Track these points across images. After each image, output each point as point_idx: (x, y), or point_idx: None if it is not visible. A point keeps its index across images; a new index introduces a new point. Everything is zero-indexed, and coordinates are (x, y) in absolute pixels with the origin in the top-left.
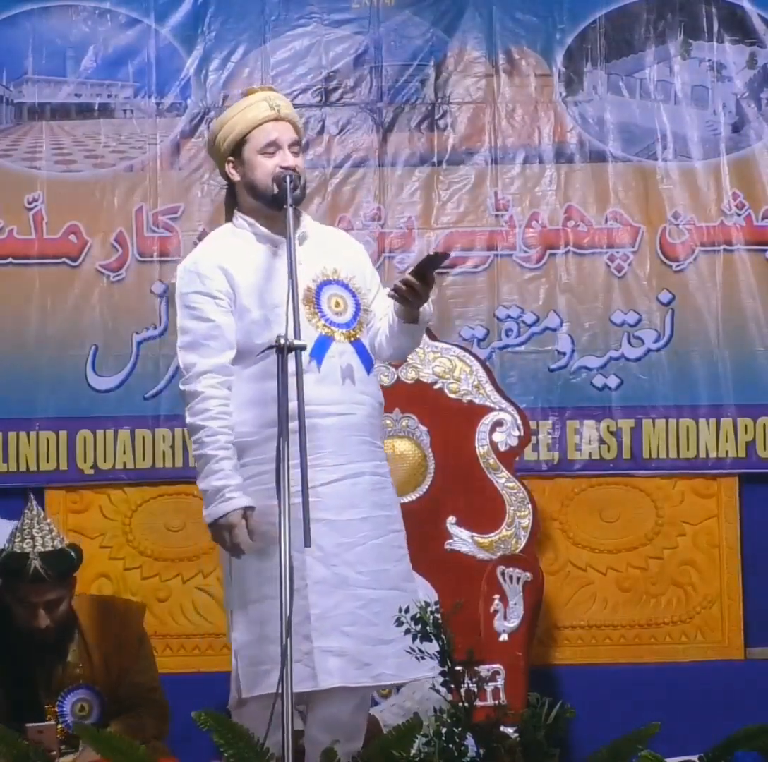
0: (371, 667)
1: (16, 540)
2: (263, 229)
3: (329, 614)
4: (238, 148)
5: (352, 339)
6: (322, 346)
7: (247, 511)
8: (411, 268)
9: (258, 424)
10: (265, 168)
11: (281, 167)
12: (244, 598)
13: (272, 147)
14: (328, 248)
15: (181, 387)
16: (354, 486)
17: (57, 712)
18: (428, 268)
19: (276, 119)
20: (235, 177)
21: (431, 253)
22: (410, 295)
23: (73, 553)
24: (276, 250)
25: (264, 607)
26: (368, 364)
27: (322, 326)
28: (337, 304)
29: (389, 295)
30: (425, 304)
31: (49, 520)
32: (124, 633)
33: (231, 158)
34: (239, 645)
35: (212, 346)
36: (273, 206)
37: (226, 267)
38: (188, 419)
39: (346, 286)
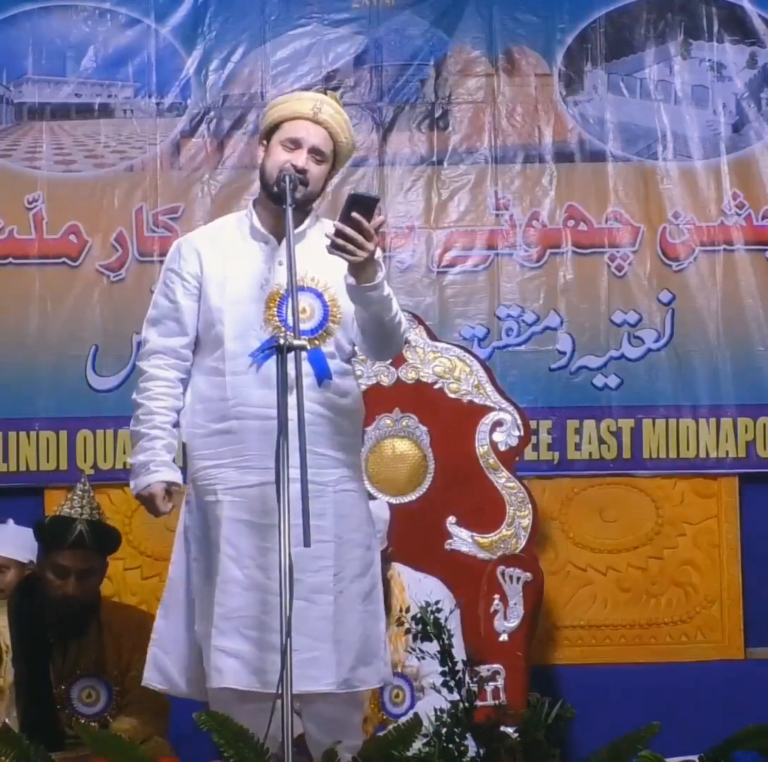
0: (265, 674)
1: (65, 506)
2: (257, 224)
3: (232, 615)
4: (270, 133)
5: (309, 346)
6: (267, 349)
7: (171, 486)
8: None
9: (205, 419)
10: (277, 159)
11: (291, 164)
12: (196, 593)
13: (293, 143)
14: (317, 253)
15: (136, 363)
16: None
17: (64, 696)
18: (354, 210)
19: (312, 121)
20: (259, 160)
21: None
22: (345, 242)
23: (115, 531)
24: (264, 247)
25: (204, 604)
26: (322, 373)
27: (276, 329)
28: (303, 311)
29: (327, 248)
30: (379, 271)
31: (97, 501)
32: (139, 637)
33: (264, 141)
34: (200, 636)
35: (170, 326)
36: (272, 199)
37: (202, 251)
38: (133, 396)
39: (318, 296)
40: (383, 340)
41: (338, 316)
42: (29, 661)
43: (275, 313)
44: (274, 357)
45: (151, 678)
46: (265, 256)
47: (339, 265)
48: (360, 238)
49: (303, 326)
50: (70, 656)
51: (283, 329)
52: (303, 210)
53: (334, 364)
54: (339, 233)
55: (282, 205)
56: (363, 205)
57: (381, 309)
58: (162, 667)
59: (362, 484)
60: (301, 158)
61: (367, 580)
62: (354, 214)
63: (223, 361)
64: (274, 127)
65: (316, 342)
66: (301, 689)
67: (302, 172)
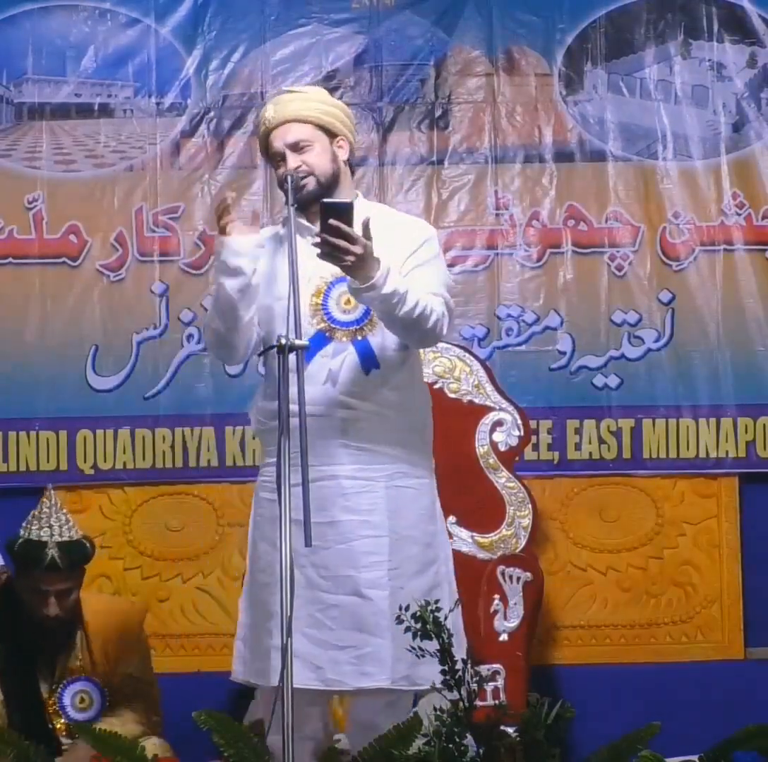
0: (323, 671)
1: (34, 527)
2: (302, 219)
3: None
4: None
5: (357, 337)
6: (316, 345)
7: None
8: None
9: (266, 416)
10: (278, 176)
11: (285, 172)
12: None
13: (277, 157)
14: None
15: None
16: (323, 489)
17: (56, 706)
18: (331, 217)
19: (274, 128)
20: None
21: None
22: (329, 249)
23: (88, 545)
24: (310, 240)
25: (258, 595)
26: (369, 364)
27: (321, 322)
28: (348, 302)
29: (318, 256)
30: (377, 271)
31: (65, 511)
32: (124, 629)
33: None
34: (260, 631)
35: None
36: (298, 208)
37: (261, 245)
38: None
39: None
40: (403, 333)
41: None
42: (17, 675)
43: (320, 304)
44: (323, 352)
45: (236, 672)
46: (310, 250)
47: (385, 251)
48: (343, 243)
49: (348, 316)
50: (57, 667)
51: (329, 323)
52: (331, 196)
53: (384, 354)
54: (323, 242)
55: (307, 208)
56: (337, 211)
57: (387, 307)
58: (245, 660)
59: (425, 480)
60: (290, 162)
61: (428, 579)
62: (332, 221)
63: (276, 358)
64: (267, 150)
65: (362, 332)
66: (356, 685)
67: (297, 170)
